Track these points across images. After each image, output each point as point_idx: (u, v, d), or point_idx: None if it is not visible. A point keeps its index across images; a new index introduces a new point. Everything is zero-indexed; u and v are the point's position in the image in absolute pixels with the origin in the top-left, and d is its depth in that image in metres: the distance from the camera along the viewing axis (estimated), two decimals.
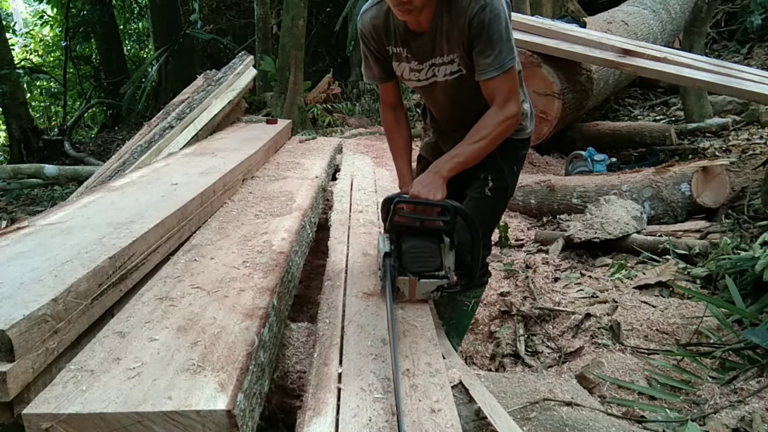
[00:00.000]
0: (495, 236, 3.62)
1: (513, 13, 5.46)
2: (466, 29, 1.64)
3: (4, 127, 10.64)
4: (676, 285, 2.66)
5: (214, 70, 4.91)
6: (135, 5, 13.28)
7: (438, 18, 1.69)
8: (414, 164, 2.13)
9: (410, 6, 1.57)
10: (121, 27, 12.85)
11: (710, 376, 2.03)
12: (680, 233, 3.25)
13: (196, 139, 3.67)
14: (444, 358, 1.50)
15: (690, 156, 4.75)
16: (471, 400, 1.43)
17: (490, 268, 3.13)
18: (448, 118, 1.96)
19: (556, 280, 3.01)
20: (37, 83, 12.48)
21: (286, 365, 1.54)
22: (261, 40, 8.52)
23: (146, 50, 13.39)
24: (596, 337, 2.37)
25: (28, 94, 11.76)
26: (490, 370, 2.36)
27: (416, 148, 2.19)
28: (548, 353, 2.42)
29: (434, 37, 1.72)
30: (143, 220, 1.84)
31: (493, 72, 1.65)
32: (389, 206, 1.67)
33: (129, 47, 13.45)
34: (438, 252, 1.67)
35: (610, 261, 3.16)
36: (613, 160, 4.64)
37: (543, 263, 3.16)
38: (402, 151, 1.98)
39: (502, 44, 1.63)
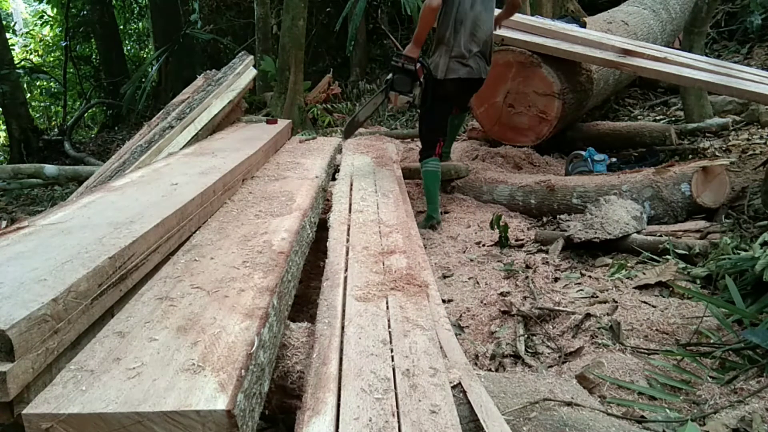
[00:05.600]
0: (495, 236, 3.62)
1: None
2: None
3: (4, 127, 10.64)
4: (676, 285, 2.66)
5: (214, 70, 4.90)
6: (135, 5, 13.28)
7: None
8: None
9: None
10: (121, 27, 12.85)
11: (710, 376, 2.02)
12: (680, 233, 3.25)
13: (196, 139, 3.67)
14: (445, 357, 1.50)
15: (690, 156, 4.75)
16: (469, 401, 1.43)
17: (491, 265, 3.17)
18: None
19: (556, 280, 3.01)
20: (37, 83, 12.49)
21: (286, 365, 1.54)
22: (261, 40, 8.52)
23: (146, 50, 13.40)
24: (596, 337, 2.37)
25: (28, 94, 11.77)
26: (490, 370, 2.36)
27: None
28: (548, 353, 2.42)
29: None
30: (143, 220, 1.84)
31: None
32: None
33: (129, 47, 13.46)
34: (410, 84, 3.43)
35: (610, 261, 3.16)
36: (613, 160, 4.63)
37: (543, 263, 3.16)
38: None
39: None
